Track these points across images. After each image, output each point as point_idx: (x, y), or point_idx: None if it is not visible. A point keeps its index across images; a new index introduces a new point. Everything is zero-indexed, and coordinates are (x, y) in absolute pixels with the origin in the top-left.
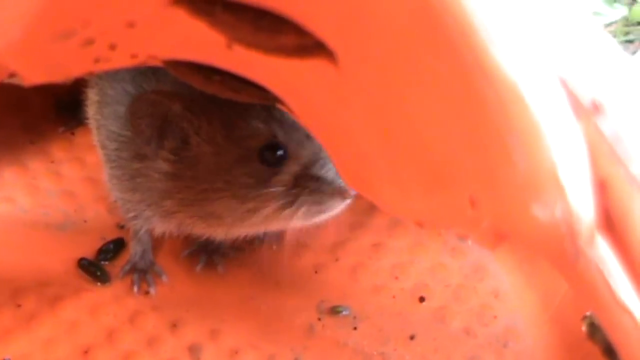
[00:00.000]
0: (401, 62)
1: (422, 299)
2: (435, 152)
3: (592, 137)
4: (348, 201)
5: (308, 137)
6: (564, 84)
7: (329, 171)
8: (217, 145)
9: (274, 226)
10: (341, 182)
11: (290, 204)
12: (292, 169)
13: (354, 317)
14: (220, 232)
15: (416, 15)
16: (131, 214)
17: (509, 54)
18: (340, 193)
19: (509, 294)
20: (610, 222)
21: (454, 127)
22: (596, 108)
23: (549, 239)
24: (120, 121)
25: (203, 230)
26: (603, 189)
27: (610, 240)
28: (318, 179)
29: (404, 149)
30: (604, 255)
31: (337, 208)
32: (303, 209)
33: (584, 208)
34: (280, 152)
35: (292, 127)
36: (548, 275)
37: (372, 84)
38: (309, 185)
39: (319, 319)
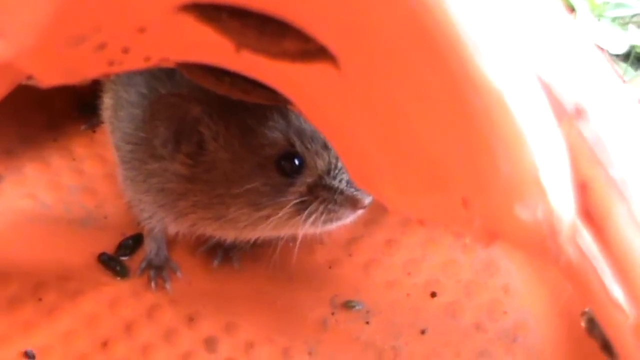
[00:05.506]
0: (396, 69)
1: (433, 294)
2: (429, 154)
3: (573, 141)
4: (360, 211)
5: (325, 146)
6: (548, 90)
7: (342, 181)
8: (234, 152)
9: (285, 232)
10: (353, 191)
11: (301, 211)
12: (307, 179)
13: (367, 312)
14: (231, 235)
15: (407, 26)
16: (145, 215)
17: (494, 63)
18: (352, 203)
19: (519, 289)
20: (592, 221)
21: (446, 131)
22: (579, 113)
23: (532, 238)
24: (135, 123)
25: (215, 232)
26: (584, 190)
27: (594, 238)
28: (330, 188)
29: (402, 150)
30: (591, 251)
31: (347, 217)
32: (312, 218)
33: (564, 209)
34: (297, 162)
35: (310, 136)
36: (557, 272)
37: (371, 88)
38: (321, 194)
39: (333, 314)
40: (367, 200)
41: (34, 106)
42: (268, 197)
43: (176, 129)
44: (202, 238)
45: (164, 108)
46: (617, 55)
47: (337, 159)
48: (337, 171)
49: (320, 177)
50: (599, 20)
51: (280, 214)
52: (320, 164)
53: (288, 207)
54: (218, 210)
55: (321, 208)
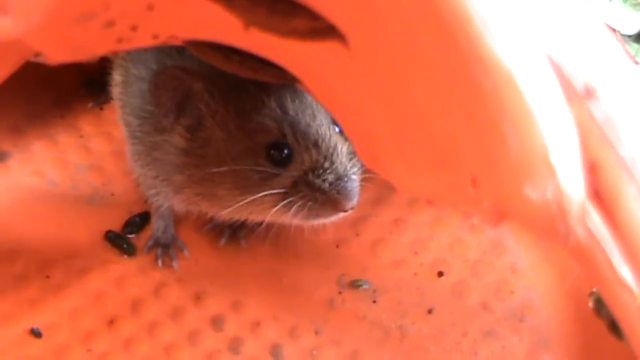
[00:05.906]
0: (405, 48)
1: (440, 274)
2: (438, 133)
3: (583, 121)
4: (343, 214)
5: (315, 144)
6: (558, 69)
7: (325, 181)
8: (229, 133)
9: (271, 219)
10: (335, 193)
11: (279, 202)
12: (293, 173)
13: (374, 291)
14: (222, 214)
15: (417, 4)
16: (152, 191)
17: (504, 42)
18: (333, 204)
19: (526, 269)
20: (601, 202)
21: (455, 110)
22: (589, 93)
23: (541, 218)
24: (144, 97)
25: (207, 209)
26: (593, 171)
27: (603, 219)
28: (312, 186)
29: (410, 128)
30: (600, 232)
31: (328, 217)
32: (292, 211)
33: (574, 189)
34: (285, 153)
35: (303, 131)
36: (564, 252)
37: (380, 67)
38: (303, 190)
39: (340, 293)
40: (349, 204)
41: (41, 83)
42: (253, 182)
43: (179, 101)
44: (208, 216)
45: (168, 79)
46: (629, 36)
47: (325, 158)
48: (321, 170)
49: (305, 173)
50: (610, 0)
51: (261, 202)
52: (307, 160)
53: (269, 195)
54: (208, 187)
55: (300, 204)
